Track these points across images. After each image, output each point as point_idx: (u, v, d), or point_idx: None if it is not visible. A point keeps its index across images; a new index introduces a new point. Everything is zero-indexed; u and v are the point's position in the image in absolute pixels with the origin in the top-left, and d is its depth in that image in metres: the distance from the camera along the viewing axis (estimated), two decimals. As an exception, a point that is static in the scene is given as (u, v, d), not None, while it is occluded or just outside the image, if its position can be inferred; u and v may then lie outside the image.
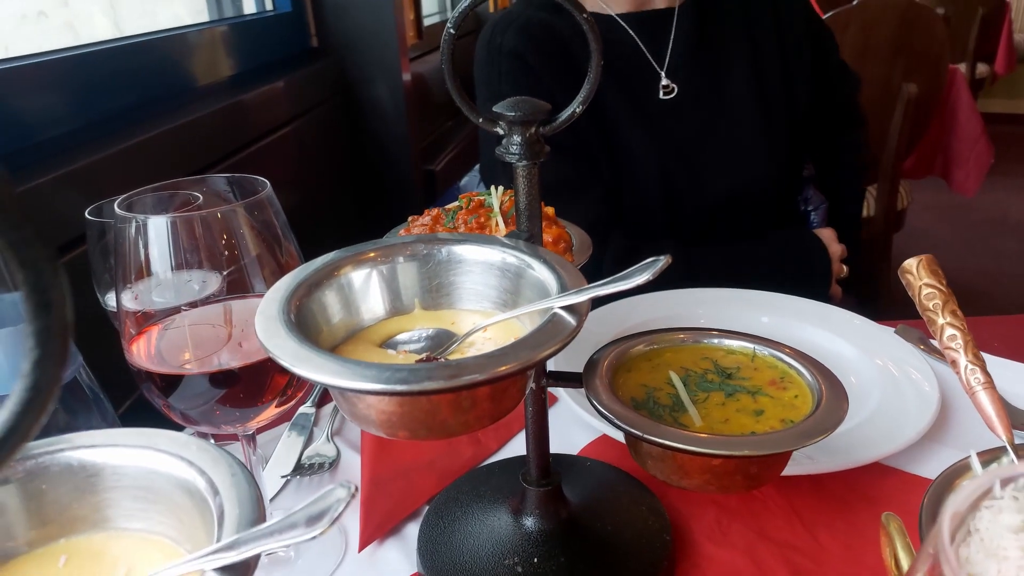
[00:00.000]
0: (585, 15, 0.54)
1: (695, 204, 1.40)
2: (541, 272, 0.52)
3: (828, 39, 1.52)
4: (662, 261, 0.46)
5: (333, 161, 2.09)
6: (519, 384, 0.49)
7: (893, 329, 1.02)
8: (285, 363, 0.43)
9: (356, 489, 0.32)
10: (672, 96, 1.38)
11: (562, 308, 0.47)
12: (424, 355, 0.51)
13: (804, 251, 1.39)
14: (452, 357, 0.52)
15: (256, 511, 0.37)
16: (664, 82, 1.38)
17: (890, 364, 0.92)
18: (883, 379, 0.89)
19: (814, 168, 1.65)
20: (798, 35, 1.43)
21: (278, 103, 1.77)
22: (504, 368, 0.42)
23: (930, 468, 0.80)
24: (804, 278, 1.37)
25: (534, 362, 0.43)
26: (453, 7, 3.12)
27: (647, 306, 1.06)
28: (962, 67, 3.55)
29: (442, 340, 0.54)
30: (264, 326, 0.46)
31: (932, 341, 1.00)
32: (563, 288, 0.50)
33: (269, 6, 2.02)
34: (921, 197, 3.84)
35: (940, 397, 0.85)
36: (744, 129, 1.40)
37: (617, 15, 1.38)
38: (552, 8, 1.38)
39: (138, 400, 0.66)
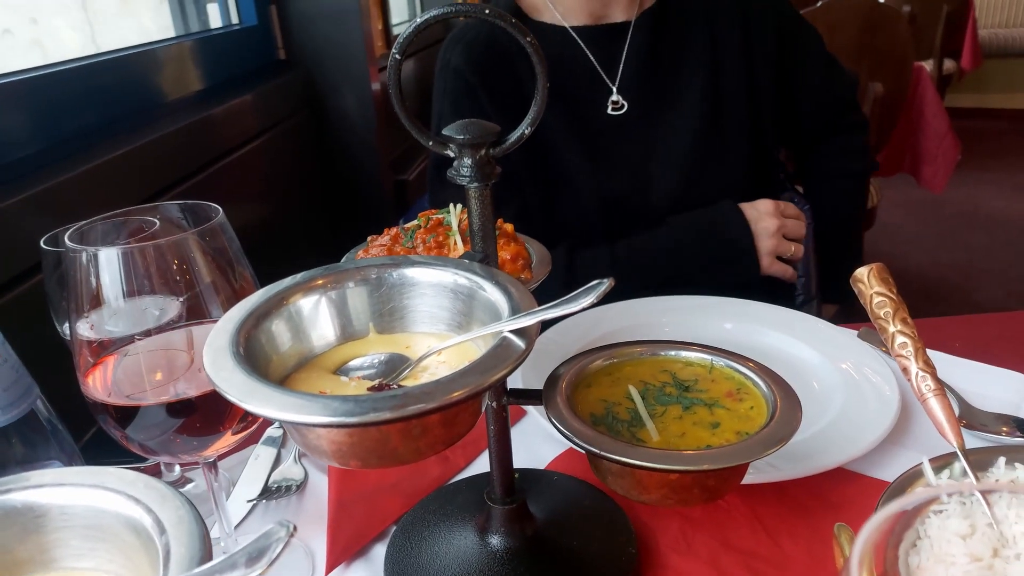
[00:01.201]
0: (529, 39, 0.55)
1: (640, 220, 1.37)
2: (493, 294, 0.52)
3: (808, 37, 1.47)
4: (605, 284, 0.47)
5: (303, 174, 2.09)
6: (471, 408, 0.49)
7: (856, 332, 1.03)
8: (232, 398, 0.43)
9: (295, 528, 0.32)
10: (621, 112, 1.37)
11: (511, 332, 0.48)
12: (377, 382, 0.51)
13: (717, 224, 1.32)
14: (405, 382, 0.52)
15: (202, 549, 0.37)
16: (614, 98, 1.36)
17: (852, 368, 0.93)
18: (845, 384, 0.90)
19: (803, 177, 1.62)
20: (768, 37, 1.40)
21: (246, 117, 1.76)
22: (454, 395, 0.43)
23: (891, 471, 0.80)
24: (727, 256, 1.31)
25: (483, 388, 0.44)
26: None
27: (613, 316, 1.06)
28: (929, 64, 3.60)
29: (395, 365, 0.54)
30: (212, 359, 0.46)
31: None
32: (514, 310, 0.50)
33: (235, 20, 2.01)
34: (891, 194, 3.89)
35: (900, 400, 0.86)
36: (695, 145, 1.37)
37: (572, 27, 1.38)
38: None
39: (100, 431, 0.66)
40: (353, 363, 0.55)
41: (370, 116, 2.15)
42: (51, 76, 1.24)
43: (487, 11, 0.56)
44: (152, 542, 0.39)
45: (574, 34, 1.37)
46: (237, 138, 1.71)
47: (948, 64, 4.85)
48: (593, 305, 0.46)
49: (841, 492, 0.79)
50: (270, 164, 1.86)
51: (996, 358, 0.98)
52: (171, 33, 1.81)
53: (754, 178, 1.43)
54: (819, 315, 1.56)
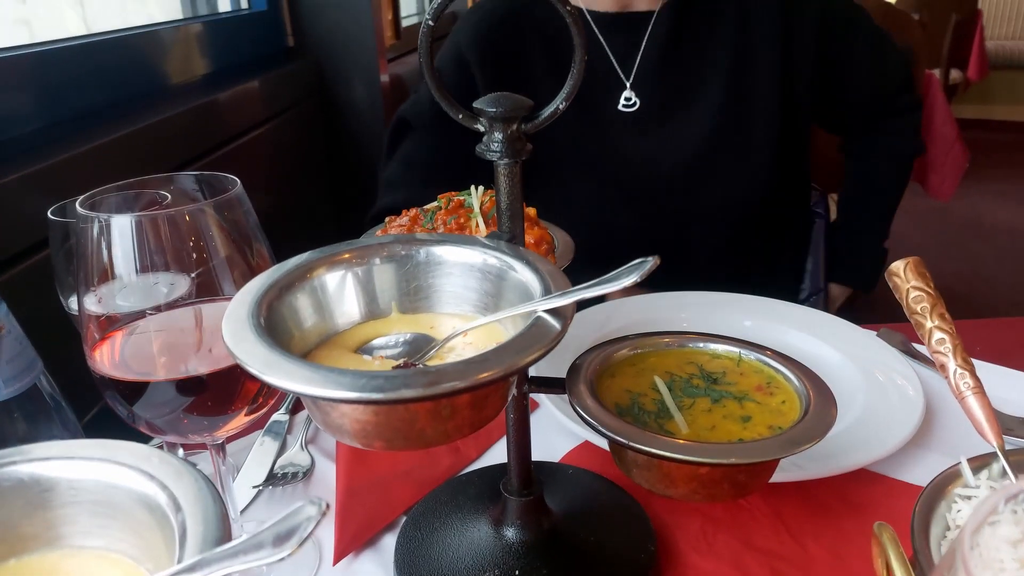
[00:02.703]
0: (569, 8, 0.52)
1: (649, 223, 1.33)
2: (524, 274, 0.50)
3: (856, 19, 1.37)
4: (650, 263, 0.45)
5: (309, 162, 2.06)
6: (501, 391, 0.47)
7: (875, 333, 1.01)
8: (254, 370, 0.41)
9: (327, 506, 0.30)
10: (633, 109, 1.31)
11: (546, 311, 0.45)
12: (401, 361, 0.49)
13: None
14: (431, 363, 0.49)
15: (221, 529, 0.34)
16: (627, 94, 1.31)
17: (874, 369, 0.91)
18: (867, 384, 0.88)
19: (847, 155, 1.53)
20: (808, 26, 1.30)
21: (253, 103, 1.74)
22: (486, 375, 0.40)
23: (916, 474, 0.79)
24: None
25: (517, 368, 0.41)
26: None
27: (628, 309, 1.04)
28: (936, 72, 3.58)
29: (420, 345, 0.52)
30: (232, 330, 0.44)
31: (915, 345, 1.00)
32: (547, 290, 0.48)
33: (244, 4, 1.98)
34: (897, 202, 3.87)
35: (925, 402, 0.84)
36: (712, 145, 1.31)
37: (591, 12, 1.32)
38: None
39: (104, 409, 0.63)
40: (376, 342, 0.52)
41: (379, 107, 2.13)
42: (55, 53, 1.22)
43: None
44: (167, 520, 0.36)
45: (591, 21, 1.32)
46: (243, 124, 1.68)
47: (955, 74, 4.84)
48: (635, 284, 0.44)
49: (865, 493, 0.77)
50: (276, 152, 1.84)
51: (1018, 362, 0.96)
52: (179, 16, 1.78)
53: (781, 177, 1.37)
54: (825, 307, 1.54)
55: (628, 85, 1.31)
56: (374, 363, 0.49)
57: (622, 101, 1.31)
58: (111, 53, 1.36)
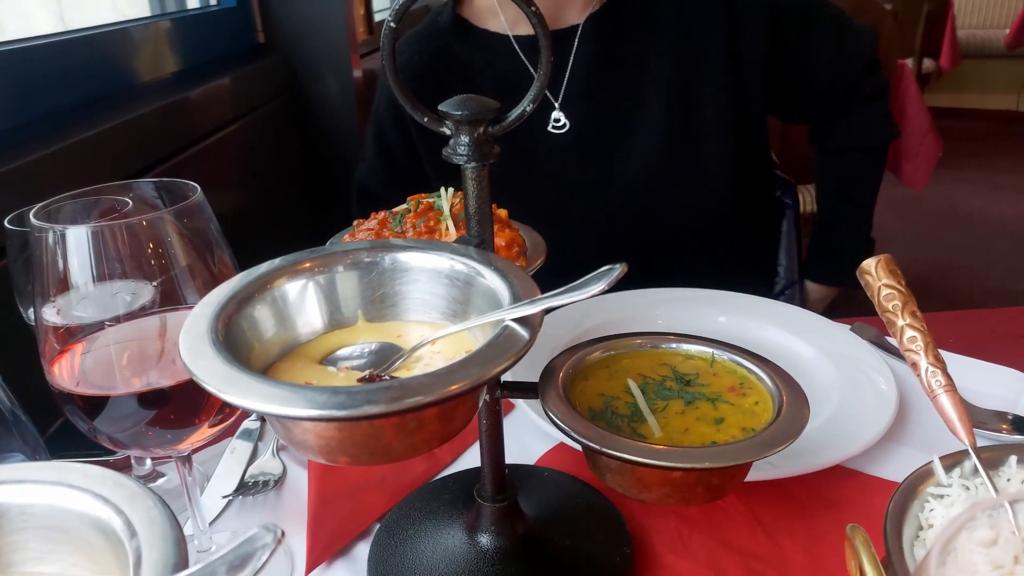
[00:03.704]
0: (534, 8, 0.51)
1: (609, 239, 1.29)
2: (492, 280, 0.49)
3: (810, 10, 1.29)
4: (618, 270, 0.44)
5: (282, 160, 2.04)
6: (470, 402, 0.46)
7: (849, 327, 1.02)
8: (211, 388, 0.40)
9: (283, 534, 0.29)
10: (563, 131, 1.24)
11: (514, 320, 0.45)
12: (367, 372, 0.48)
13: None
14: (398, 373, 0.48)
15: (177, 555, 0.33)
16: (556, 115, 1.23)
17: (848, 364, 0.91)
18: (841, 379, 0.88)
19: (817, 150, 1.46)
20: (757, 18, 1.24)
21: (223, 101, 1.71)
22: (452, 388, 0.39)
23: (890, 469, 0.79)
24: None
25: (484, 380, 0.41)
26: (405, 2, 3.06)
27: (604, 307, 1.03)
28: (909, 62, 3.61)
29: (387, 355, 0.51)
30: (189, 346, 0.43)
31: (888, 338, 1.00)
32: (515, 298, 0.47)
33: (213, 1, 1.95)
34: (871, 191, 3.90)
35: (898, 397, 0.84)
36: (660, 160, 1.25)
37: (515, 36, 1.27)
38: (449, 32, 1.30)
39: (66, 423, 0.61)
40: (341, 352, 0.51)
41: (351, 103, 2.10)
42: (21, 52, 1.19)
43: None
44: (121, 545, 0.35)
45: (516, 44, 1.26)
46: (214, 122, 1.65)
47: (927, 63, 4.88)
48: (603, 292, 0.43)
49: (839, 490, 0.77)
50: (248, 149, 1.81)
51: (991, 354, 0.97)
52: (146, 13, 1.75)
53: (741, 178, 1.32)
54: (802, 301, 1.53)
55: (556, 106, 1.25)
56: (338, 375, 0.48)
57: (551, 123, 1.24)
58: (79, 52, 1.33)
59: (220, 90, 1.68)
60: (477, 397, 0.48)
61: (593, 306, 1.04)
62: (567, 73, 1.24)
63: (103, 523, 0.36)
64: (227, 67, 1.79)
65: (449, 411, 0.44)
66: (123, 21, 1.54)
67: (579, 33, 1.24)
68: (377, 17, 2.60)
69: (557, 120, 1.24)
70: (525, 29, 1.26)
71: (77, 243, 0.53)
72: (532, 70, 1.25)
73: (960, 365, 0.95)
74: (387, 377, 0.47)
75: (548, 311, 0.46)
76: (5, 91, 1.15)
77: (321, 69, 2.07)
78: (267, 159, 1.93)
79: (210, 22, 1.86)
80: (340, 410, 0.38)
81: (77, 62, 1.32)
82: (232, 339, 0.45)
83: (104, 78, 1.41)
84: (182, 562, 0.33)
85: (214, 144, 1.63)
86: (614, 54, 1.24)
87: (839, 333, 0.98)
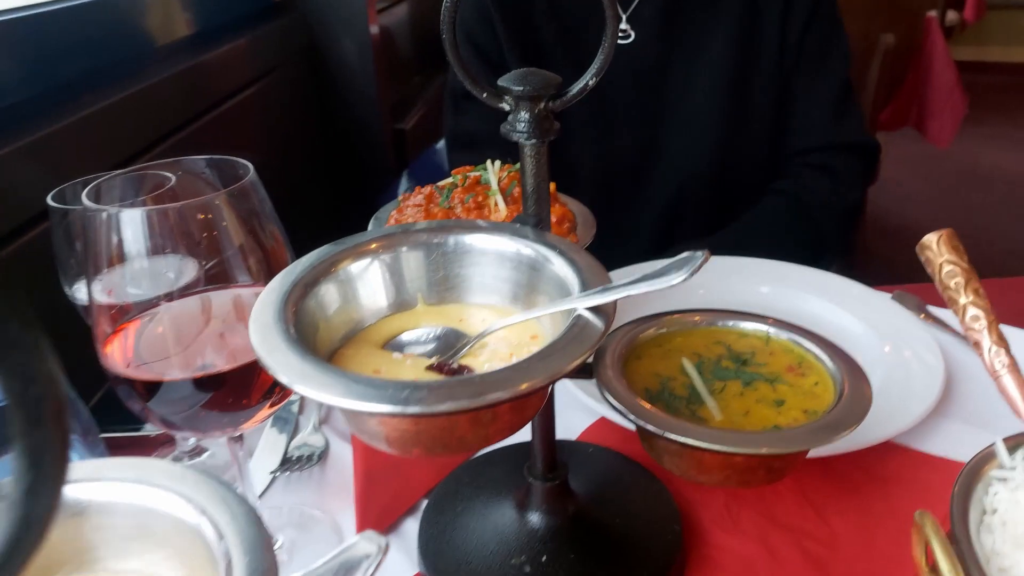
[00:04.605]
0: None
1: (643, 193, 1.30)
2: (559, 266, 0.48)
3: (834, 50, 1.31)
4: (700, 257, 0.43)
5: (300, 122, 2.01)
6: (542, 392, 0.45)
7: (890, 295, 1.00)
8: (290, 383, 0.39)
9: (386, 546, 0.28)
10: (628, 41, 1.24)
11: (587, 309, 0.44)
12: (434, 360, 0.47)
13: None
14: (464, 360, 0.48)
15: (266, 560, 0.33)
16: (623, 26, 1.24)
17: (893, 335, 0.90)
18: (887, 352, 0.87)
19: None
20: (802, 13, 1.27)
21: (241, 63, 1.68)
22: (530, 383, 0.39)
23: (936, 444, 0.78)
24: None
25: (563, 373, 0.40)
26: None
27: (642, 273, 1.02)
28: (933, 14, 3.52)
29: (451, 340, 0.50)
30: (261, 337, 0.42)
31: (930, 307, 0.99)
32: (584, 285, 0.46)
33: (228, -42, 1.91)
34: (891, 150, 3.85)
35: (945, 370, 0.83)
36: (718, 105, 1.27)
37: None
38: None
39: (107, 394, 0.61)
40: (404, 337, 0.50)
41: (369, 61, 2.07)
42: (33, 19, 1.16)
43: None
44: (209, 548, 0.34)
45: None
46: (231, 86, 1.63)
47: (951, 15, 4.76)
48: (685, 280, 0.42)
49: (887, 466, 0.76)
50: (266, 112, 1.79)
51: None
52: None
53: (776, 147, 1.33)
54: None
55: (624, 18, 1.26)
56: (405, 362, 0.47)
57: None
58: (93, 17, 1.31)
59: (237, 52, 1.65)
60: (549, 387, 0.47)
61: (630, 275, 1.02)
62: None
63: (187, 522, 0.36)
64: (244, 28, 1.75)
65: (522, 402, 0.43)
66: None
67: None
68: (393, -28, 2.54)
69: (623, 30, 1.24)
70: None
71: (131, 225, 0.52)
72: None
73: (1012, 336, 0.93)
74: (455, 365, 0.47)
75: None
76: (22, 61, 1.13)
77: (338, 27, 2.03)
78: (285, 121, 1.90)
79: (226, -20, 1.82)
80: (422, 406, 0.37)
81: (90, 29, 1.30)
82: (300, 326, 0.44)
83: (118, 44, 1.38)
84: (271, 568, 0.33)
85: (232, 108, 1.61)
86: None
87: (882, 303, 0.97)
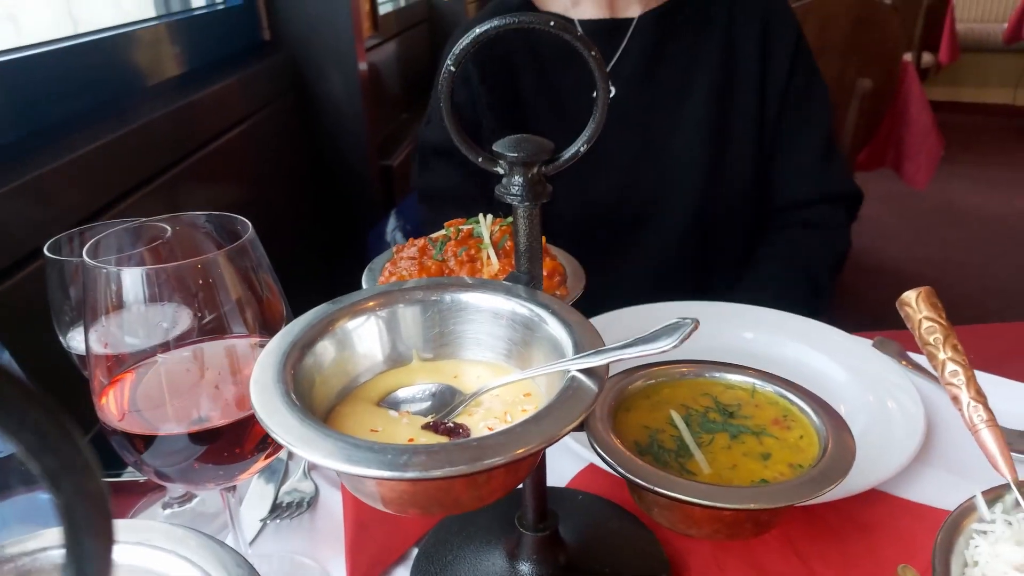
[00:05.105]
0: (594, 53, 0.51)
1: (624, 231, 1.33)
2: (553, 326, 0.49)
3: (815, 100, 1.34)
4: (690, 325, 0.44)
5: (289, 158, 2.03)
6: (537, 453, 0.46)
7: (871, 342, 1.02)
8: (291, 446, 0.40)
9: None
10: (610, 96, 1.28)
11: (580, 371, 0.45)
12: (430, 419, 0.48)
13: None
14: (459, 419, 0.49)
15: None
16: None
17: (873, 382, 0.91)
18: (868, 399, 0.89)
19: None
20: (785, 55, 1.31)
21: (231, 102, 1.70)
22: (527, 448, 0.40)
23: (918, 491, 0.79)
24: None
25: (556, 438, 0.41)
26: (408, -7, 3.04)
27: (627, 322, 1.04)
28: (908, 56, 3.61)
29: (446, 398, 0.51)
30: (262, 400, 0.42)
31: (910, 354, 1.01)
32: (578, 347, 0.47)
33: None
34: (869, 187, 3.92)
35: (926, 418, 0.85)
36: (700, 151, 1.30)
37: (578, 20, 1.33)
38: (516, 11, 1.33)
39: (96, 436, 0.61)
40: (400, 394, 0.51)
41: (356, 98, 2.09)
42: (25, 61, 1.17)
43: (532, 19, 0.53)
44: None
45: (579, 27, 1.32)
46: (222, 124, 1.65)
47: (926, 57, 4.88)
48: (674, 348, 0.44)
49: (869, 513, 0.77)
50: (255, 149, 1.80)
51: (1011, 371, 0.97)
52: (151, 14, 1.73)
53: (759, 196, 1.36)
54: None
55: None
56: (401, 420, 0.48)
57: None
58: (85, 57, 1.32)
59: (227, 91, 1.67)
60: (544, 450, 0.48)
61: (614, 321, 1.04)
62: (616, 55, 1.31)
63: (188, 586, 0.36)
64: (233, 66, 1.77)
65: (517, 465, 0.44)
66: (127, 24, 1.52)
67: (633, 24, 1.30)
68: (381, 11, 2.58)
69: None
70: (588, 13, 1.33)
71: (132, 282, 0.53)
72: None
73: (984, 382, 0.95)
74: (451, 423, 0.48)
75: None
76: (14, 101, 1.14)
77: (327, 64, 2.06)
78: (273, 158, 1.92)
79: (216, 20, 1.84)
80: (420, 471, 0.38)
81: (82, 69, 1.31)
82: (299, 386, 0.45)
83: (110, 83, 1.40)
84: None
85: (222, 146, 1.62)
86: (665, 47, 1.31)
87: (862, 350, 0.99)
